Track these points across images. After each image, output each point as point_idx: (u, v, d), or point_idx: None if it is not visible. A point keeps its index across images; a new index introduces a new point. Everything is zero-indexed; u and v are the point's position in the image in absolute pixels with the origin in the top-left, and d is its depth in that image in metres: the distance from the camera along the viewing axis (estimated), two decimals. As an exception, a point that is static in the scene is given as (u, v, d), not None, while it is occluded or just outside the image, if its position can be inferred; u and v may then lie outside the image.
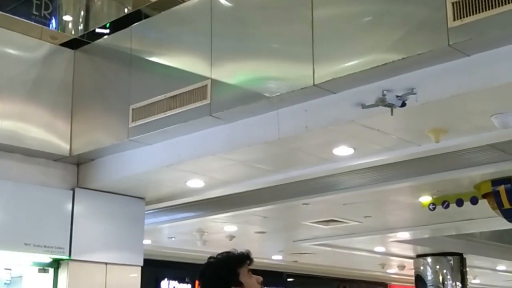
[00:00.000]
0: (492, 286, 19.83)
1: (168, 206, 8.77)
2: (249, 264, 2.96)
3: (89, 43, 7.34)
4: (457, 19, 4.30)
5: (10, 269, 8.28)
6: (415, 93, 4.74)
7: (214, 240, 11.54)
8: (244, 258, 2.97)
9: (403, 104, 4.78)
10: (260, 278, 2.96)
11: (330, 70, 5.03)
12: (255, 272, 3.06)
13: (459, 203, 8.25)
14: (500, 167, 6.87)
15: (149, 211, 8.59)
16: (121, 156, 7.04)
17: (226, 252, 3.01)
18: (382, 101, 4.80)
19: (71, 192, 7.37)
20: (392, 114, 4.85)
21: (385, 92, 4.80)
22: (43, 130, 6.97)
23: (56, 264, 7.28)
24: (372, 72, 4.79)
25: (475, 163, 6.78)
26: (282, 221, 10.51)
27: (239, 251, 3.00)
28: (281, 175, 6.92)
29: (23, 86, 6.90)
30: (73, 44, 7.36)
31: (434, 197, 8.50)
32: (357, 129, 5.45)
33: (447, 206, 8.35)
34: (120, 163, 7.08)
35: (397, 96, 4.78)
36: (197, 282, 12.74)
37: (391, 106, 4.80)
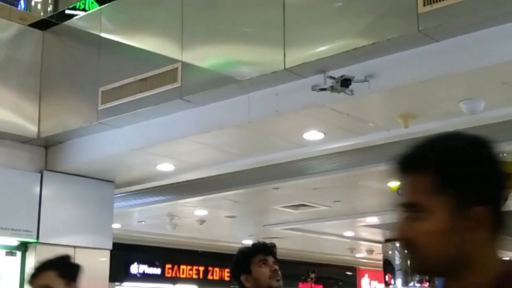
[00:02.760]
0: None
1: (138, 190, 8.74)
2: (265, 255, 3.18)
3: (58, 24, 7.24)
4: (427, 4, 4.32)
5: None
6: (367, 81, 4.81)
7: (185, 224, 11.53)
8: (256, 249, 3.23)
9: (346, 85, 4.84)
10: (274, 267, 3.17)
11: (301, 55, 5.03)
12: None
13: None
14: (467, 152, 6.95)
15: (119, 195, 8.55)
16: (90, 139, 6.99)
17: (252, 244, 3.32)
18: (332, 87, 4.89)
19: (39, 174, 7.30)
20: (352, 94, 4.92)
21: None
22: (11, 112, 6.88)
23: (23, 247, 7.22)
24: (342, 57, 4.81)
25: (443, 149, 6.84)
26: (252, 206, 10.53)
27: (261, 242, 3.29)
28: (252, 159, 6.94)
29: (-10, 67, 6.80)
30: (42, 25, 7.26)
31: (403, 182, 8.56)
32: (327, 113, 5.48)
33: (416, 191, 8.42)
34: (89, 146, 7.03)
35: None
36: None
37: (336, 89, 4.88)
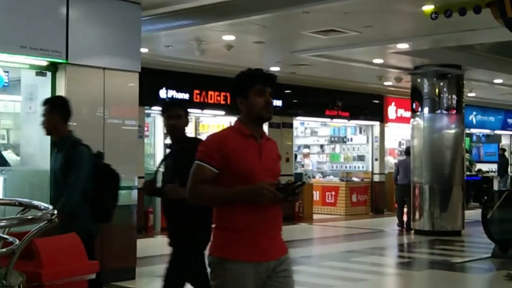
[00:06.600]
0: (488, 99, 20.11)
1: (165, 13, 8.59)
2: (263, 85, 3.26)
3: None
4: None
5: (7, 72, 8.31)
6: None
7: (212, 49, 11.45)
8: (256, 77, 3.27)
9: None
10: (269, 99, 3.27)
11: None
12: None
13: (462, 11, 8.06)
14: (507, -27, 6.65)
15: (146, 18, 8.42)
16: (115, -43, 6.77)
17: (255, 69, 3.33)
18: None
19: (66, -5, 7.19)
20: None
21: None
22: None
23: (53, 67, 7.26)
24: None
25: (482, -31, 6.55)
26: (281, 31, 10.34)
27: (264, 71, 3.33)
28: (282, -21, 6.71)
29: None
30: None
31: (437, 5, 8.30)
32: None
33: (450, 15, 8.17)
34: (114, -36, 6.82)
35: None
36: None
37: None
